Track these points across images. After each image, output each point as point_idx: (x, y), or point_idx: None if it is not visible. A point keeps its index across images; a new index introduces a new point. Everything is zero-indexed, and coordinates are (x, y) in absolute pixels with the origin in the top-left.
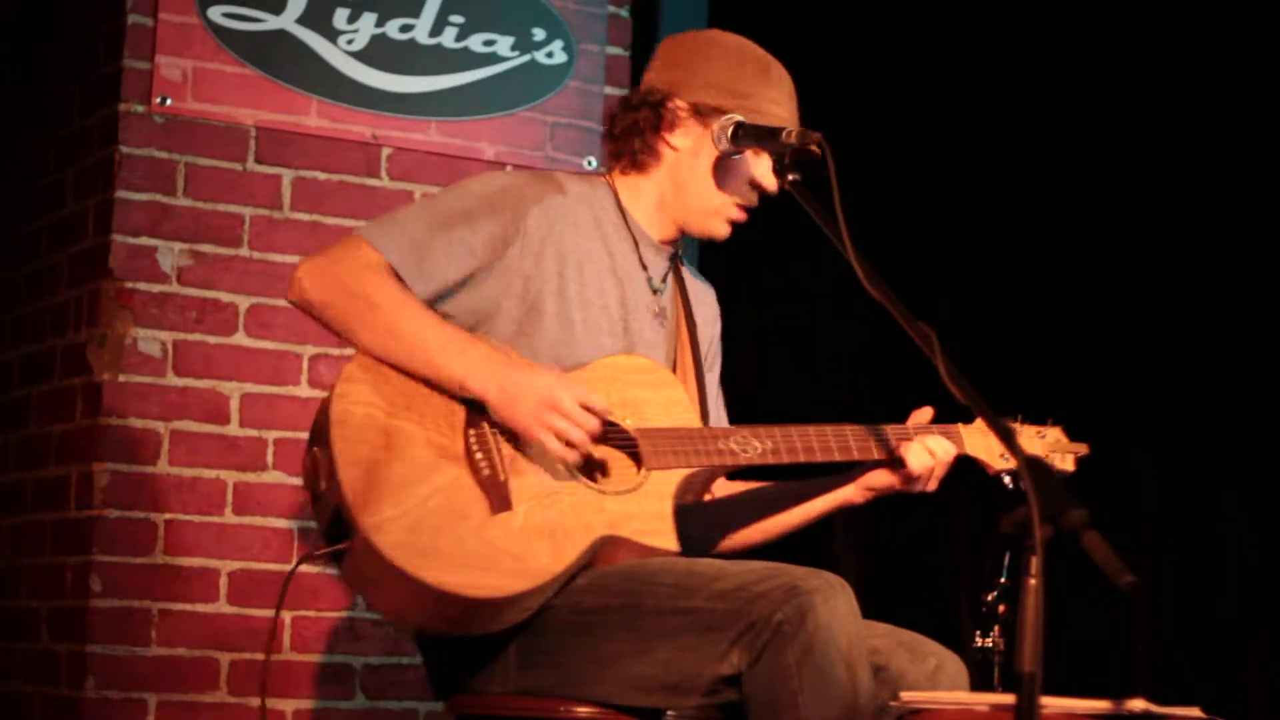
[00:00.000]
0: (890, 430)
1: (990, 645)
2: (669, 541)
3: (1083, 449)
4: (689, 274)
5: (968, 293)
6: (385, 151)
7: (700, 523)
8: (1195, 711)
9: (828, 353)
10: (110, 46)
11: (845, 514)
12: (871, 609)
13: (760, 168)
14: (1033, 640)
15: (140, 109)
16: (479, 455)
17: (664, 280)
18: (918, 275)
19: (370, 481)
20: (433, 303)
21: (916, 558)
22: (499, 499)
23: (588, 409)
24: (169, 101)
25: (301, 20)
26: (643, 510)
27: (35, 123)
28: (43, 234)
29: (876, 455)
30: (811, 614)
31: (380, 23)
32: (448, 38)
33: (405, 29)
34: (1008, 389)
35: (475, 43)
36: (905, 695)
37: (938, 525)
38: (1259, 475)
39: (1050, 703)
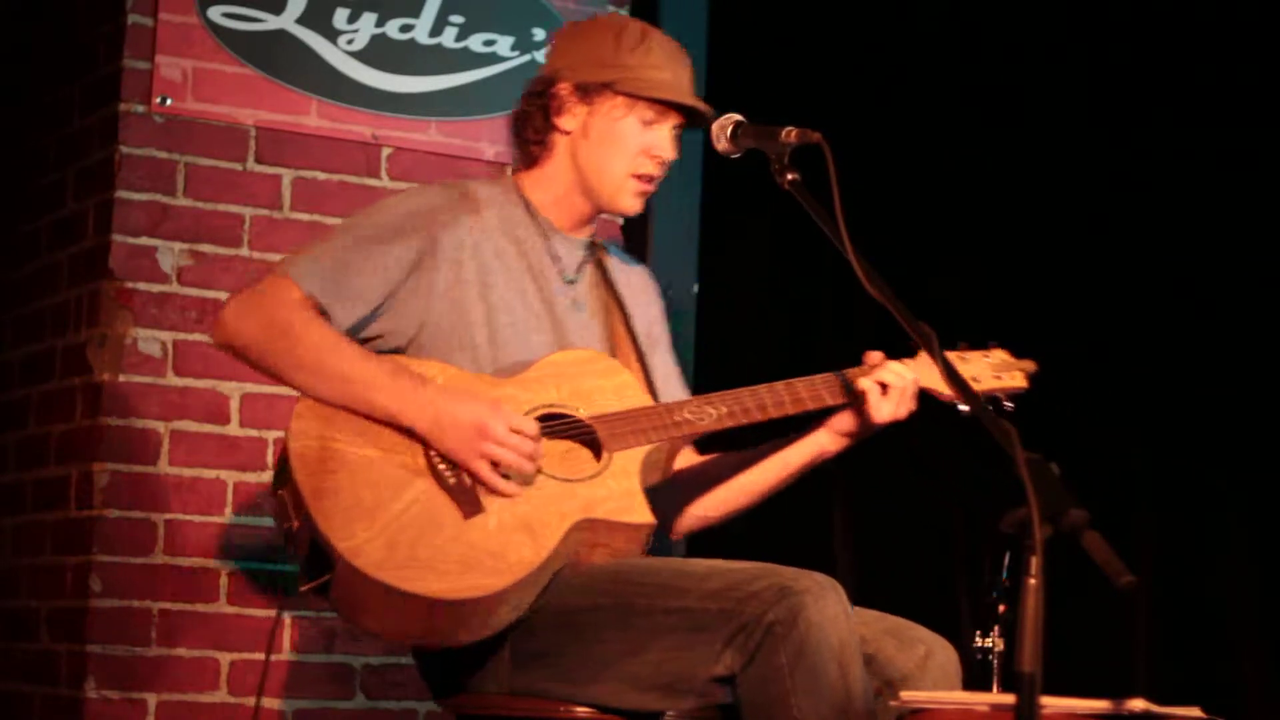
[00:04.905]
0: (846, 373)
1: (990, 645)
2: (644, 514)
3: (1030, 365)
4: (618, 260)
5: (966, 290)
6: (385, 151)
7: (676, 497)
8: (1195, 711)
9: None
10: (110, 46)
11: (844, 512)
12: (871, 609)
13: (651, 136)
14: (1033, 640)
15: (140, 109)
16: (443, 466)
17: (578, 270)
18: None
19: (341, 508)
20: (358, 327)
21: (916, 558)
22: (470, 504)
23: (519, 433)
24: (169, 101)
25: (301, 20)
26: (612, 490)
27: (35, 123)
28: (43, 234)
29: (830, 401)
30: (803, 614)
31: (380, 23)
32: (448, 38)
33: (405, 29)
34: None
35: (475, 43)
36: (905, 695)
37: (937, 525)
38: (1258, 475)
39: (1050, 703)
